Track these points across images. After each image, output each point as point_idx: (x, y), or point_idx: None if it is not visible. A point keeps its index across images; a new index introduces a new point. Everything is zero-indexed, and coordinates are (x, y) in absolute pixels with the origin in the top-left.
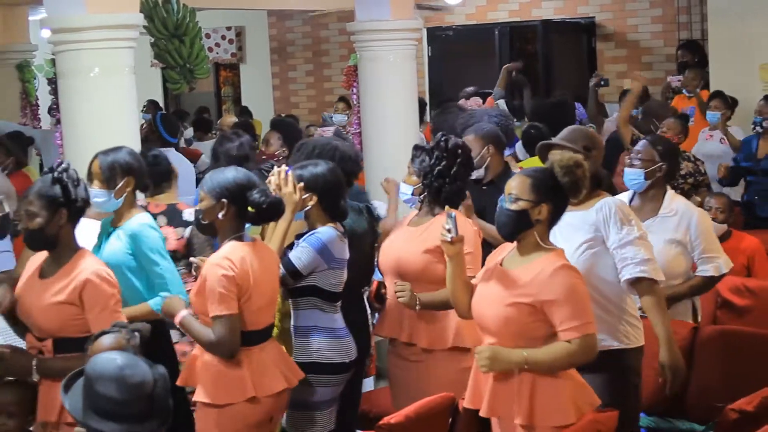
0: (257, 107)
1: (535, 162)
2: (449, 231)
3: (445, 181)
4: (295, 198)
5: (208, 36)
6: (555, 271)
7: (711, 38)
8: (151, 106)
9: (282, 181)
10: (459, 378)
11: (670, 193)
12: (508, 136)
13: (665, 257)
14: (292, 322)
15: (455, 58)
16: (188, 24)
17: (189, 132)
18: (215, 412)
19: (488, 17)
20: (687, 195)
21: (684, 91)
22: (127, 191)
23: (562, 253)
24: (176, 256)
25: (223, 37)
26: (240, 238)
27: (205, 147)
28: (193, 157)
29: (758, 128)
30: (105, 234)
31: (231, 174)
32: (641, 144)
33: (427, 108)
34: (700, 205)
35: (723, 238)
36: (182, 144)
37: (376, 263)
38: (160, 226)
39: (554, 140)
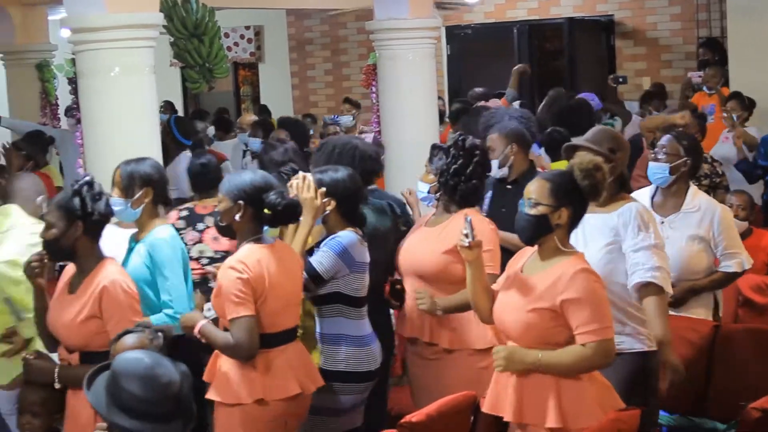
0: (276, 106)
1: (562, 166)
2: (466, 236)
3: (460, 179)
4: (316, 203)
5: (226, 35)
6: (575, 274)
7: (730, 36)
8: (167, 106)
9: (304, 186)
10: (479, 377)
11: (693, 188)
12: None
13: (687, 253)
14: (317, 329)
15: (474, 57)
16: (207, 23)
17: (210, 131)
18: (226, 411)
19: (507, 15)
20: None
21: (704, 88)
22: (145, 202)
23: (583, 257)
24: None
25: (242, 37)
26: (258, 240)
27: (226, 147)
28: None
29: None
30: (129, 248)
31: (248, 176)
32: (666, 138)
33: (446, 107)
34: None
35: (744, 235)
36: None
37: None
38: (207, 227)
39: (579, 142)
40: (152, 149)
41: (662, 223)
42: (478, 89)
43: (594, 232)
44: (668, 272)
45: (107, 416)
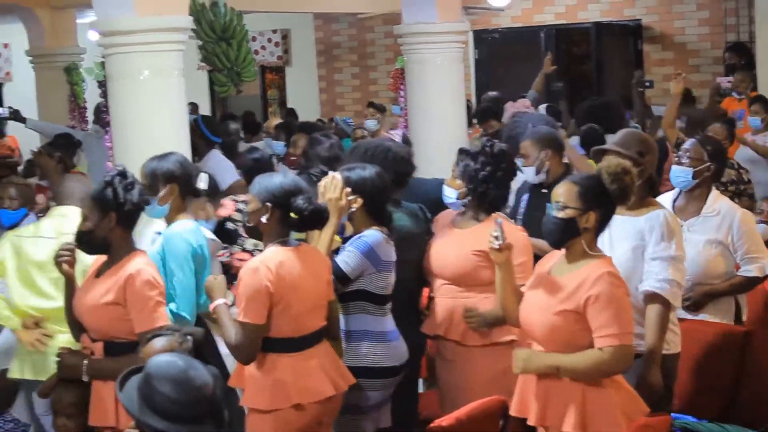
0: (303, 110)
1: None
2: (496, 238)
3: (489, 186)
4: (341, 204)
5: (254, 39)
6: (599, 277)
7: (759, 40)
8: (192, 108)
9: (331, 186)
10: (504, 377)
11: (715, 193)
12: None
13: (705, 257)
14: (342, 326)
15: (501, 61)
16: (235, 27)
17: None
18: (261, 417)
19: (534, 20)
20: None
21: (734, 93)
22: (171, 198)
23: (610, 261)
24: None
25: (269, 40)
26: (284, 243)
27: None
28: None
29: None
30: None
31: (278, 179)
32: (690, 143)
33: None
34: None
35: None
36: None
37: None
38: None
39: (609, 146)
40: (182, 151)
41: (682, 226)
42: (492, 93)
43: (620, 235)
44: (681, 286)
45: (139, 417)
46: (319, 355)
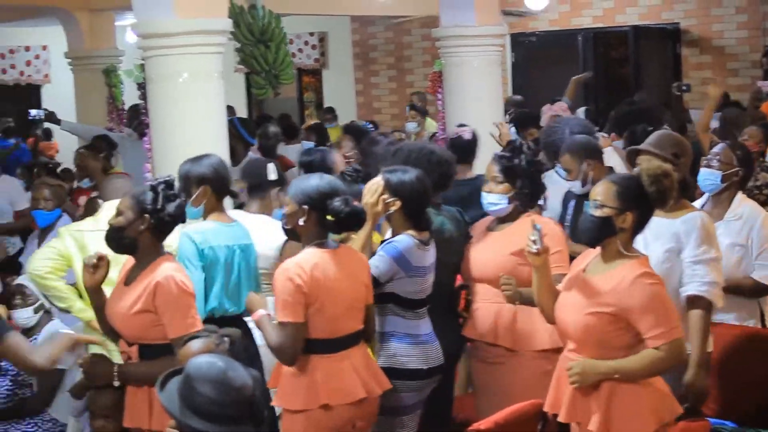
0: (339, 113)
1: None
2: (534, 242)
3: (533, 181)
4: (376, 209)
5: (291, 41)
6: (635, 279)
7: None
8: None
9: (369, 190)
10: (542, 381)
11: (740, 196)
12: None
13: (727, 261)
14: (376, 327)
15: (539, 64)
16: (273, 29)
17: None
18: (292, 417)
19: (572, 23)
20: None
21: None
22: (204, 200)
23: (646, 261)
24: None
25: (306, 43)
26: (321, 245)
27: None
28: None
29: None
30: None
31: (315, 181)
32: (720, 147)
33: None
34: None
35: None
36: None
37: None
38: None
39: (643, 146)
40: (220, 153)
41: None
42: (516, 97)
43: (655, 235)
44: (721, 287)
45: (180, 418)
46: (354, 357)
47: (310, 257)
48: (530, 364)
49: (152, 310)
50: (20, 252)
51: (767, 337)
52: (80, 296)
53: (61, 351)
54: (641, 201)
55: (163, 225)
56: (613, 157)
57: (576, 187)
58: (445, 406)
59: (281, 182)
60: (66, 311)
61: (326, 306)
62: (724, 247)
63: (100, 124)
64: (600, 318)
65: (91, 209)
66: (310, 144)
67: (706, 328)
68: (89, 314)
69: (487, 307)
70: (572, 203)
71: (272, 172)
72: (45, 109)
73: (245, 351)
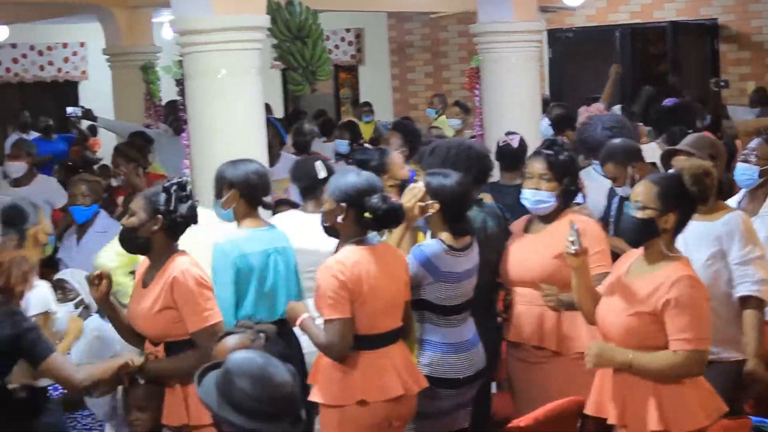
0: (376, 109)
1: None
2: (573, 243)
3: (575, 177)
4: (413, 213)
5: (327, 38)
6: (677, 279)
7: None
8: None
9: (410, 193)
10: (584, 382)
11: None
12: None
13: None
14: (417, 334)
15: (575, 60)
16: (311, 26)
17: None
18: (329, 412)
19: (609, 19)
20: None
21: None
22: (234, 204)
23: (688, 263)
24: None
25: (343, 39)
26: (361, 242)
27: (328, 149)
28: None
29: None
30: None
31: (352, 178)
32: (757, 141)
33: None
34: None
35: None
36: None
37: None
38: None
39: (681, 147)
40: (258, 150)
41: None
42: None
43: (696, 239)
44: None
45: (218, 412)
46: (393, 355)
47: (350, 254)
48: (573, 365)
49: (173, 306)
50: (56, 249)
51: None
52: None
53: (104, 375)
54: (683, 201)
55: (176, 225)
56: (657, 153)
57: (626, 190)
58: (484, 405)
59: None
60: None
61: (367, 302)
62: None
63: (137, 120)
64: (641, 318)
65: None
66: (344, 142)
67: (761, 325)
68: None
69: (530, 310)
70: (616, 199)
71: (321, 170)
72: (82, 107)
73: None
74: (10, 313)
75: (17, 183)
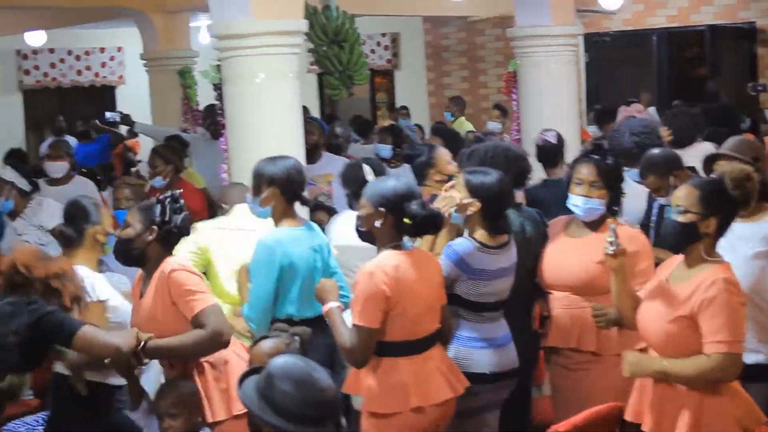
0: (412, 113)
1: None
2: (611, 243)
3: (621, 182)
4: (447, 219)
5: (363, 42)
6: (714, 281)
7: None
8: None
9: (444, 198)
10: (623, 386)
11: None
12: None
13: None
14: None
15: (612, 64)
16: (347, 30)
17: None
18: (378, 422)
19: (646, 23)
20: None
21: None
22: (272, 202)
23: (728, 267)
24: None
25: (378, 44)
26: (398, 247)
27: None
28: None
29: None
30: None
31: (392, 183)
32: None
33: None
34: None
35: None
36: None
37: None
38: None
39: (723, 151)
40: (296, 153)
41: None
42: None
43: (740, 242)
44: None
45: (259, 414)
46: (435, 357)
47: (389, 260)
48: (615, 369)
49: (172, 300)
50: None
51: None
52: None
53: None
54: (725, 205)
55: (171, 236)
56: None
57: (669, 201)
58: (523, 409)
59: None
60: None
61: (408, 308)
62: None
63: (174, 124)
64: (680, 323)
65: None
66: (387, 147)
67: None
68: (225, 308)
69: (569, 313)
70: (656, 204)
71: (369, 173)
72: (120, 112)
73: (325, 350)
74: (25, 302)
75: (54, 183)
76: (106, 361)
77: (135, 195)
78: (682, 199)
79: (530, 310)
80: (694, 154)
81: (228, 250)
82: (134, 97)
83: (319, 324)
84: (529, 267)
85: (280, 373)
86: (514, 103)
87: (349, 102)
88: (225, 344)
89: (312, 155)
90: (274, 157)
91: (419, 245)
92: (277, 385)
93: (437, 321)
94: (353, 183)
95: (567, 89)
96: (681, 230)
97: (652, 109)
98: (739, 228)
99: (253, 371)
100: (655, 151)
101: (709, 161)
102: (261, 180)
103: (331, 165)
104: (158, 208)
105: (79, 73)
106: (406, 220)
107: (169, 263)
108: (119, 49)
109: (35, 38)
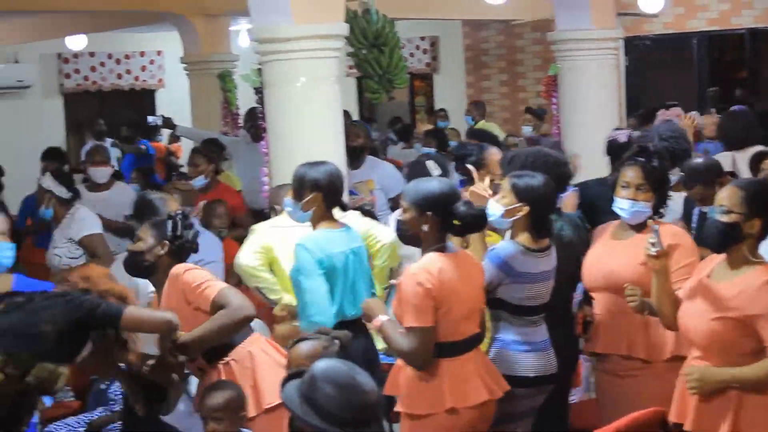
0: (451, 117)
1: None
2: (653, 245)
3: (668, 191)
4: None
5: (402, 46)
6: (761, 286)
7: None
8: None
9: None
10: (671, 393)
11: None
12: (680, 157)
13: None
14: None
15: (652, 68)
16: (387, 34)
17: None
18: (415, 423)
19: (687, 26)
20: None
21: None
22: (315, 206)
23: None
24: None
25: (417, 47)
26: (442, 249)
27: (402, 156)
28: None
29: None
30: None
31: (436, 185)
32: None
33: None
34: None
35: None
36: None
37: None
38: None
39: None
40: (337, 157)
41: None
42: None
43: None
44: None
45: (303, 416)
46: (475, 360)
47: (435, 262)
48: (663, 375)
49: (191, 301)
50: None
51: None
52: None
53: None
54: None
55: (182, 251)
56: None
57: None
58: (562, 413)
59: (444, 176)
60: (274, 303)
61: (452, 309)
62: None
63: (214, 128)
64: (725, 324)
65: (209, 213)
66: (430, 150)
67: None
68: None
69: (616, 318)
70: (697, 210)
71: (435, 168)
72: (161, 115)
73: (364, 353)
74: (60, 295)
75: (95, 188)
76: (144, 368)
77: (185, 200)
78: (725, 199)
79: (569, 314)
80: (746, 158)
81: (289, 248)
82: (173, 101)
83: (358, 326)
84: (569, 271)
85: (323, 376)
86: (554, 106)
87: (388, 105)
88: (249, 317)
89: (356, 159)
90: (315, 162)
91: (470, 250)
92: (321, 388)
93: (478, 324)
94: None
95: (607, 93)
96: (724, 230)
97: (695, 113)
98: None
99: (295, 375)
100: (698, 160)
101: (756, 160)
102: (304, 185)
103: (375, 170)
104: (170, 224)
105: (119, 76)
106: (455, 222)
107: (176, 268)
108: (159, 53)
109: (76, 42)
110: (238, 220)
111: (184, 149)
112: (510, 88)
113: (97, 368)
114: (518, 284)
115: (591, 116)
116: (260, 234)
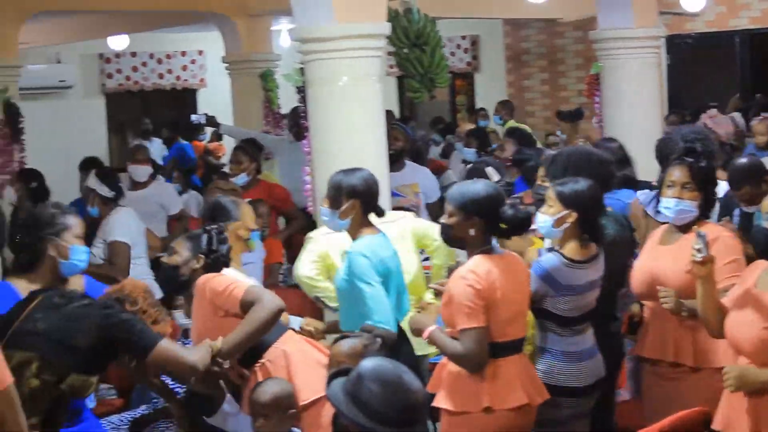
0: (490, 116)
1: None
2: (699, 251)
3: (715, 191)
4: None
5: (443, 45)
6: None
7: None
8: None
9: None
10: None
11: None
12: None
13: None
14: (537, 342)
15: (695, 67)
16: (429, 33)
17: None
18: (451, 420)
19: (729, 24)
20: None
21: None
22: (353, 214)
23: None
24: None
25: (458, 46)
26: (488, 251)
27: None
28: (438, 169)
29: None
30: (342, 259)
31: (482, 188)
32: None
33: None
34: None
35: None
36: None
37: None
38: None
39: None
40: (379, 158)
41: None
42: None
43: None
44: None
45: (348, 414)
46: (518, 363)
47: (483, 264)
48: (708, 382)
49: (219, 306)
50: None
51: None
52: None
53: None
54: None
55: (216, 264)
56: None
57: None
58: (607, 413)
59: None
60: (336, 311)
61: (499, 311)
62: None
63: (256, 127)
64: None
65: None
66: (471, 150)
67: None
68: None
69: (664, 325)
70: (738, 211)
71: (494, 174)
72: (205, 114)
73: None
74: (101, 305)
75: (136, 186)
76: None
77: None
78: None
79: (615, 314)
80: None
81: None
82: (215, 101)
83: (400, 329)
84: (613, 270)
85: (370, 375)
86: (597, 105)
87: (429, 104)
88: (281, 308)
89: (396, 163)
90: (350, 168)
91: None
92: (367, 386)
93: (523, 328)
94: None
95: (650, 92)
96: None
97: (736, 114)
98: None
99: (340, 372)
100: (742, 160)
101: None
102: (340, 192)
103: (416, 174)
104: (205, 238)
105: (160, 76)
106: (503, 225)
107: (201, 278)
108: (200, 53)
109: (118, 42)
110: (289, 213)
111: (227, 148)
112: (551, 87)
113: (131, 374)
114: (563, 297)
115: (633, 115)
116: (316, 242)
